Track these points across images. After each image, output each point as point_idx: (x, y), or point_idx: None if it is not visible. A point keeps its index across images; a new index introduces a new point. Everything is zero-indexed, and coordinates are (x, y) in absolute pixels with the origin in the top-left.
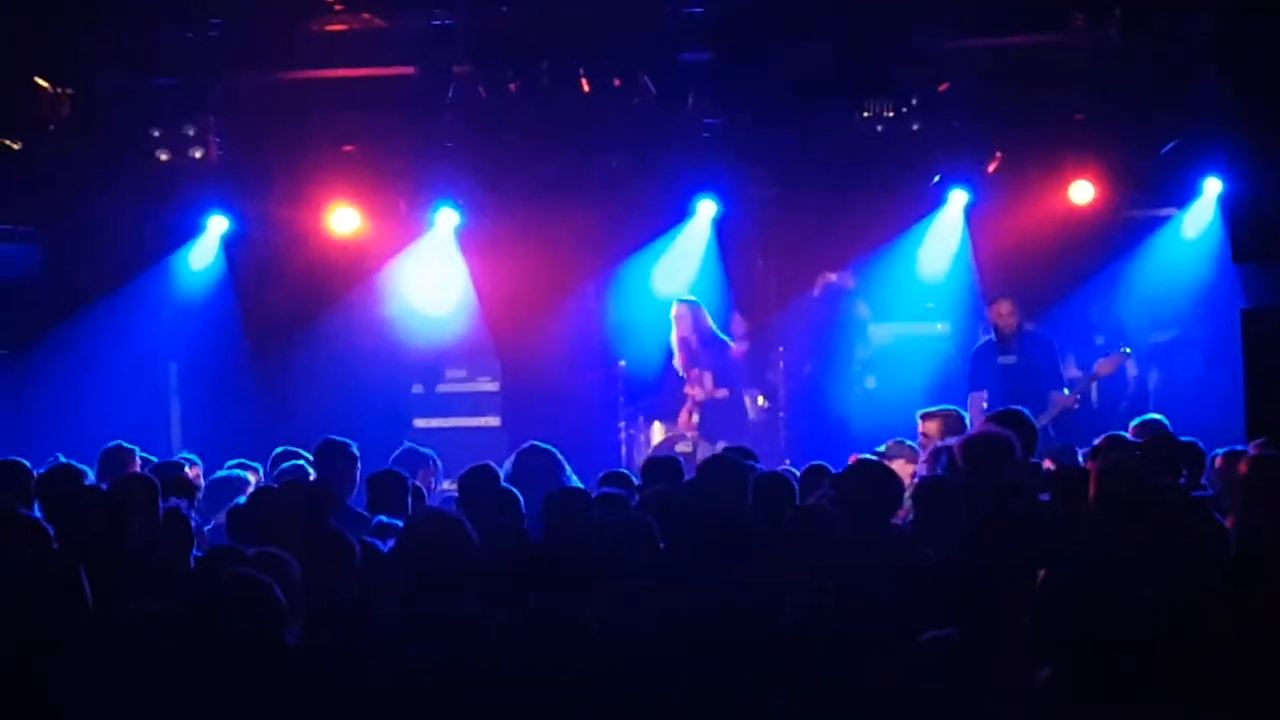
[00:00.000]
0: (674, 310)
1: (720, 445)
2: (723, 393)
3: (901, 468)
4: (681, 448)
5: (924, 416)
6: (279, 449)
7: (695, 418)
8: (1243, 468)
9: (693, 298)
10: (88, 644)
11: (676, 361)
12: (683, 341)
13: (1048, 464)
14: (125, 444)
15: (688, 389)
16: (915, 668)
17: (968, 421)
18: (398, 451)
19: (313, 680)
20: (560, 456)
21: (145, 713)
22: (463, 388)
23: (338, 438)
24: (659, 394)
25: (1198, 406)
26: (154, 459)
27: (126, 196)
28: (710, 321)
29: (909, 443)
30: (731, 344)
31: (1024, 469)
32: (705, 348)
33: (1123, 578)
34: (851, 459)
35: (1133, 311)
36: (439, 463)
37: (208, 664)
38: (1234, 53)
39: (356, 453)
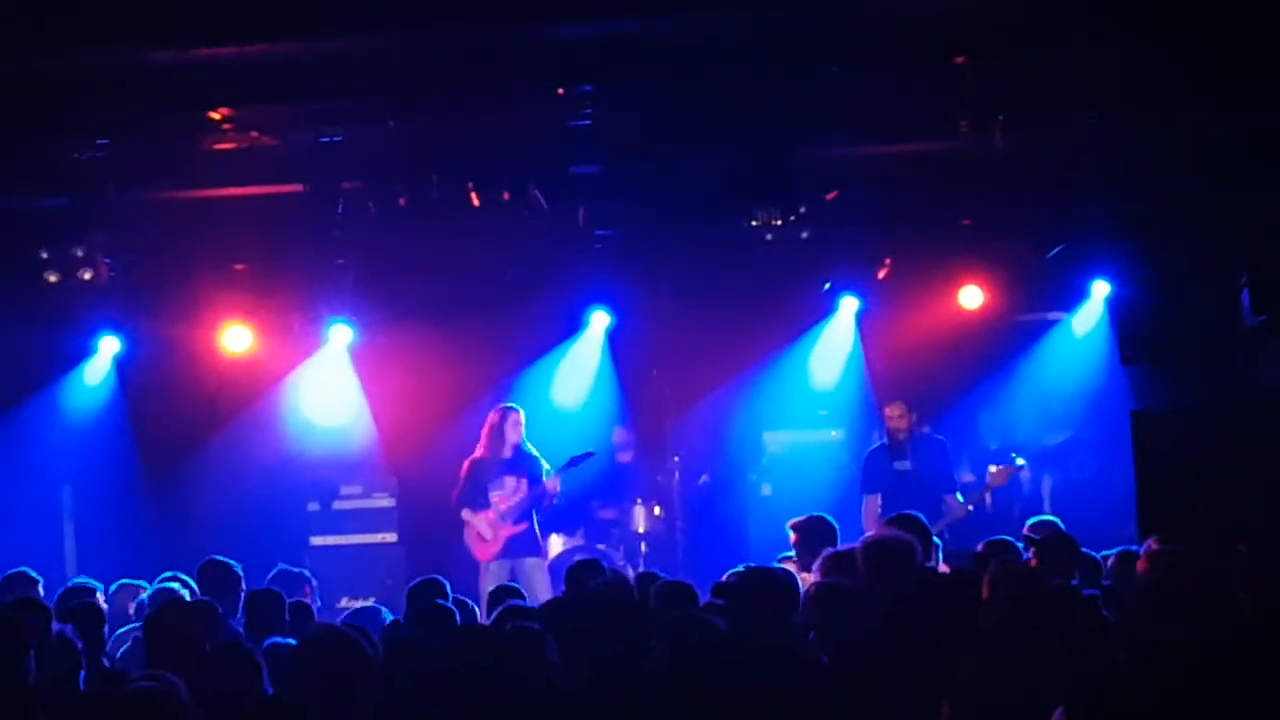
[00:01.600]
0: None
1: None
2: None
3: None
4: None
5: (793, 526)
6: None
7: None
8: (1141, 565)
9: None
10: None
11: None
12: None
13: (943, 568)
14: (30, 571)
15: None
16: None
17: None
18: (272, 573)
19: None
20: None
21: None
22: (359, 504)
23: (220, 558)
24: (556, 505)
25: (1091, 508)
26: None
27: (16, 319)
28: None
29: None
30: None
31: (922, 573)
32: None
33: None
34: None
35: (1025, 413)
36: (314, 581)
37: None
38: (1114, 157)
39: (240, 573)
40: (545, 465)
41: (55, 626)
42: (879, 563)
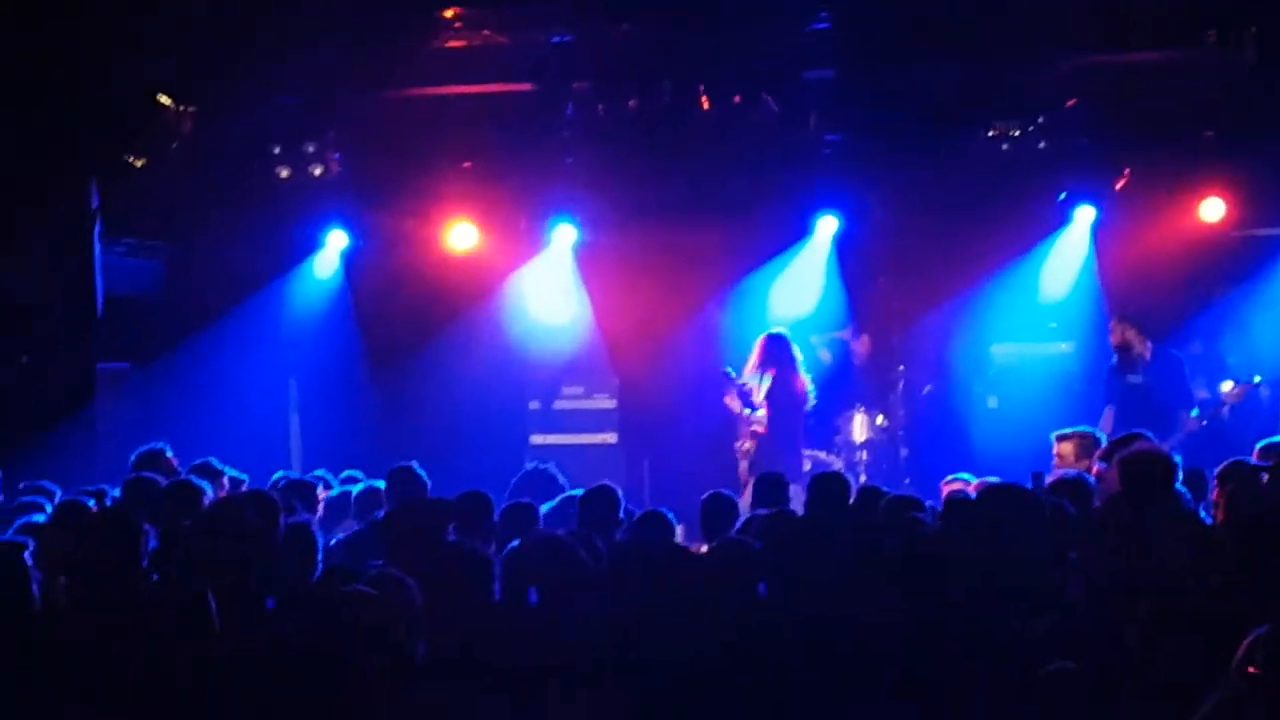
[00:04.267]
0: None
1: None
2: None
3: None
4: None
5: (1059, 438)
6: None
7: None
8: None
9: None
10: (217, 670)
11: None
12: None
13: None
14: (214, 462)
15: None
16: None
17: (1103, 441)
18: (522, 472)
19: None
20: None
21: None
22: (580, 404)
23: (409, 464)
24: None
25: None
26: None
27: (248, 212)
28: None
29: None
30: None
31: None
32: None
33: None
34: (945, 486)
35: (1266, 331)
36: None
37: (331, 686)
38: None
39: (426, 480)
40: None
41: (300, 517)
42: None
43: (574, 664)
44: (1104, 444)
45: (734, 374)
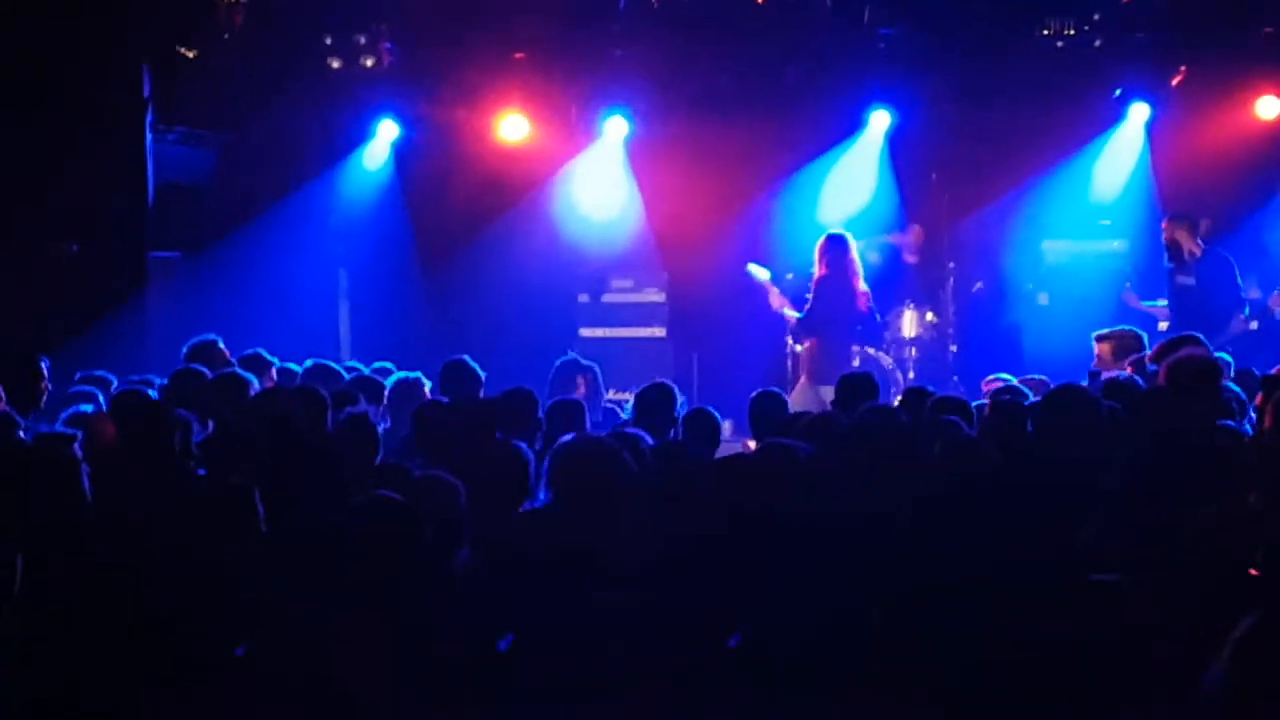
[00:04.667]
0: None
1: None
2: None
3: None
4: None
5: (1099, 338)
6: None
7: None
8: None
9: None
10: (259, 564)
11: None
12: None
13: None
14: (264, 353)
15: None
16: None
17: (1145, 342)
18: (557, 363)
19: (477, 604)
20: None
21: (311, 627)
22: (629, 298)
23: (463, 358)
24: None
25: None
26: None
27: (299, 102)
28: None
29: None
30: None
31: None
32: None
33: None
34: (986, 386)
35: None
36: (599, 373)
37: (372, 587)
38: None
39: (481, 375)
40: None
41: (361, 406)
42: (1181, 380)
43: (609, 572)
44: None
45: (766, 276)
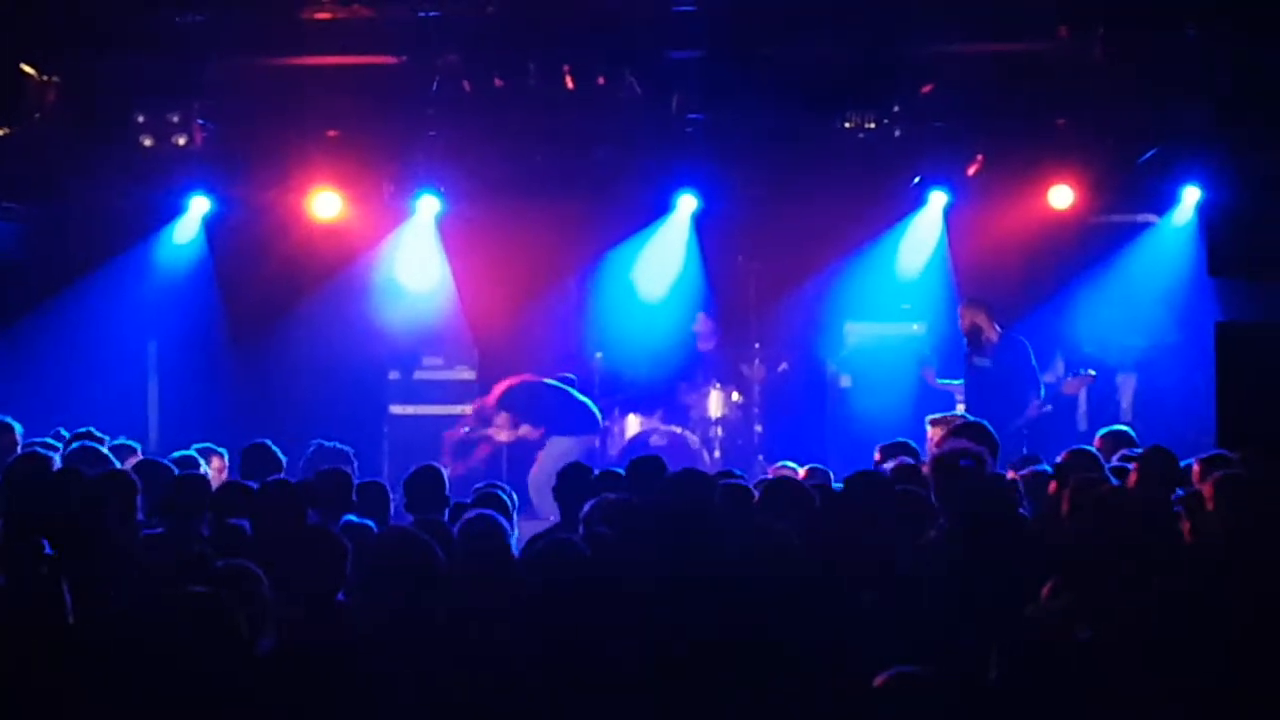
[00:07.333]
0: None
1: None
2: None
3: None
4: (655, 440)
5: (931, 422)
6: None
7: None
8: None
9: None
10: (66, 655)
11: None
12: None
13: (1011, 475)
14: (128, 441)
15: None
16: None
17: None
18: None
19: (292, 687)
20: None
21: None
22: (440, 375)
23: (264, 441)
24: (635, 386)
25: (1172, 414)
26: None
27: (111, 178)
28: None
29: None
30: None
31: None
32: None
33: None
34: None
35: (1111, 316)
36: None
37: (174, 682)
38: (1216, 68)
39: (282, 458)
40: None
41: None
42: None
43: (415, 665)
44: None
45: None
